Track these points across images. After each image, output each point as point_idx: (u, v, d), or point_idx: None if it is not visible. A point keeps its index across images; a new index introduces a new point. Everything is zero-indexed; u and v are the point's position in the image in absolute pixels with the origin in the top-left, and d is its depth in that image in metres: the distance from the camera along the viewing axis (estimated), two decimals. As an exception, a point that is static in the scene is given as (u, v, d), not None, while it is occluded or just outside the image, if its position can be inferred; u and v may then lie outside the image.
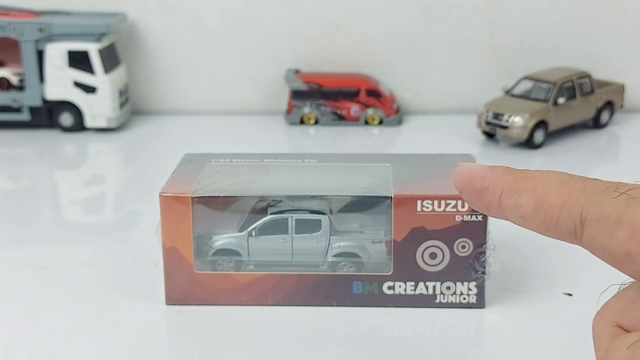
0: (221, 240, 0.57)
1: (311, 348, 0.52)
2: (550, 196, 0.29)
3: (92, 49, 1.01)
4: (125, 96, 1.08)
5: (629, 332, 0.28)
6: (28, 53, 1.01)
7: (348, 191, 0.56)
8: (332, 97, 1.06)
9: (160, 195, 0.55)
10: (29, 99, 1.02)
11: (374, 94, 1.06)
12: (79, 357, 0.51)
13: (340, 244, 0.56)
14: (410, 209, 0.54)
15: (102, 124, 1.03)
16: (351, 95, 1.06)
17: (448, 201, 0.53)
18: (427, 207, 0.54)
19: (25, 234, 0.73)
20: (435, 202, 0.53)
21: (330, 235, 0.56)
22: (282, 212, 0.56)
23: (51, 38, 1.01)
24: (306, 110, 1.06)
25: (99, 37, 1.02)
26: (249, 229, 0.56)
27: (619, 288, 0.29)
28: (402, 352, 0.51)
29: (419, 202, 0.54)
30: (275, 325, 0.54)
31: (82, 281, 0.61)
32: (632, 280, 0.28)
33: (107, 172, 0.94)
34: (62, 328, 0.54)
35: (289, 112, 1.07)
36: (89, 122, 1.03)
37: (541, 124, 0.95)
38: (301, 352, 0.51)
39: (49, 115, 1.03)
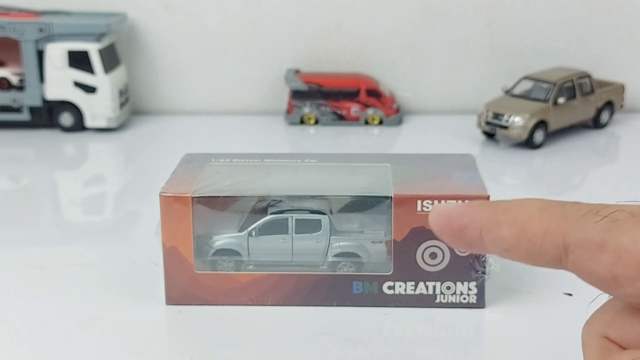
0: (221, 240, 0.57)
1: (311, 348, 0.52)
2: (532, 225, 0.28)
3: (92, 49, 1.01)
4: (125, 96, 1.08)
5: (616, 343, 0.28)
6: (28, 53, 1.01)
7: (348, 191, 0.56)
8: (332, 97, 1.06)
9: (160, 195, 0.55)
10: (29, 99, 1.02)
11: (374, 94, 1.06)
12: (79, 357, 0.51)
13: (340, 244, 0.56)
14: (410, 209, 0.54)
15: (102, 124, 1.03)
16: (351, 95, 1.06)
17: (448, 201, 0.53)
18: (427, 207, 0.54)
19: (25, 234, 0.73)
20: (435, 202, 0.53)
21: (330, 235, 0.56)
22: (282, 212, 0.56)
23: (51, 38, 1.01)
24: (306, 110, 1.06)
25: (99, 37, 1.02)
26: (249, 229, 0.56)
27: (608, 297, 0.29)
28: (402, 352, 0.51)
29: (419, 202, 0.54)
30: (275, 325, 0.54)
31: (82, 281, 0.61)
32: None
33: (107, 172, 0.94)
34: (62, 328, 0.54)
35: (289, 112, 1.07)
36: (89, 122, 1.03)
37: (541, 124, 0.95)
38: (301, 352, 0.51)
39: (49, 115, 1.03)
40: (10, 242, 0.71)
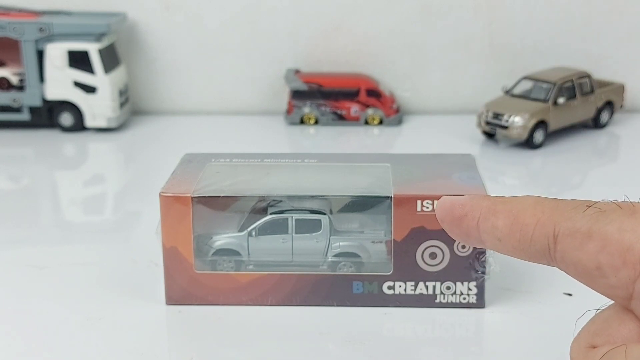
0: (221, 240, 0.57)
1: (311, 348, 0.52)
2: (525, 215, 0.30)
3: (92, 49, 1.01)
4: (125, 96, 1.08)
5: None
6: (28, 53, 1.01)
7: (348, 191, 0.56)
8: (332, 97, 1.06)
9: (160, 195, 0.55)
10: (29, 99, 1.02)
11: (374, 94, 1.06)
12: (79, 357, 0.51)
13: (340, 243, 0.56)
14: (410, 209, 0.54)
15: (102, 124, 1.03)
16: (351, 95, 1.06)
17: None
18: (427, 207, 0.54)
19: (25, 234, 0.73)
20: (435, 202, 0.53)
21: (330, 235, 0.56)
22: (282, 212, 0.56)
23: (51, 38, 1.01)
24: (306, 110, 1.06)
25: (99, 37, 1.02)
26: (249, 228, 0.56)
27: (595, 313, 0.30)
28: (402, 352, 0.51)
29: (419, 202, 0.54)
30: (275, 325, 0.54)
31: (82, 281, 0.61)
32: (606, 304, 0.29)
33: (107, 172, 0.94)
34: (62, 328, 0.54)
35: (289, 112, 1.07)
36: (89, 122, 1.03)
37: (541, 124, 0.95)
38: (301, 352, 0.51)
39: (49, 115, 1.03)
40: (10, 242, 0.71)
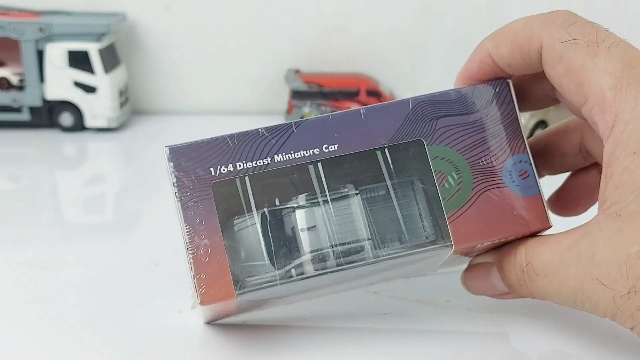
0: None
1: (311, 348, 0.52)
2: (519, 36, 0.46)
3: (92, 49, 1.01)
4: (125, 96, 1.08)
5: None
6: (28, 53, 1.01)
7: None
8: (332, 97, 1.06)
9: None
10: (29, 99, 1.02)
11: (374, 94, 1.06)
12: (79, 357, 0.51)
13: None
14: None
15: (102, 124, 1.03)
16: (351, 95, 1.06)
17: None
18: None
19: (25, 234, 0.73)
20: (436, 202, 0.53)
21: None
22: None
23: (51, 38, 1.01)
24: (306, 110, 1.06)
25: (99, 37, 1.02)
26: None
27: None
28: (402, 352, 0.51)
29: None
30: (275, 325, 0.54)
31: (82, 281, 0.61)
32: None
33: (107, 172, 0.94)
34: (62, 328, 0.54)
35: (289, 112, 1.07)
36: (89, 122, 1.03)
37: (541, 124, 0.95)
38: (301, 352, 0.51)
39: (49, 115, 1.03)
40: (10, 242, 0.71)
